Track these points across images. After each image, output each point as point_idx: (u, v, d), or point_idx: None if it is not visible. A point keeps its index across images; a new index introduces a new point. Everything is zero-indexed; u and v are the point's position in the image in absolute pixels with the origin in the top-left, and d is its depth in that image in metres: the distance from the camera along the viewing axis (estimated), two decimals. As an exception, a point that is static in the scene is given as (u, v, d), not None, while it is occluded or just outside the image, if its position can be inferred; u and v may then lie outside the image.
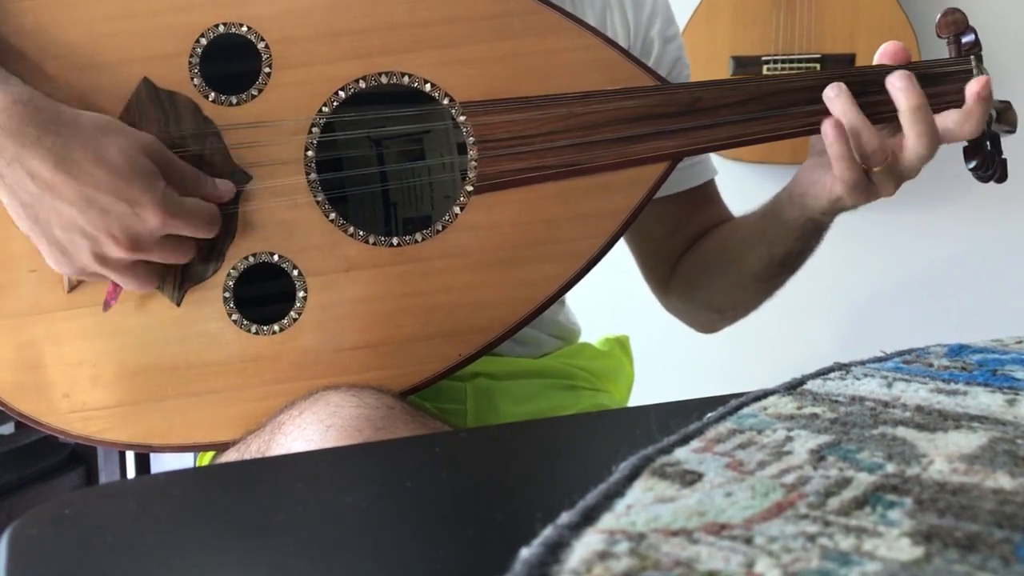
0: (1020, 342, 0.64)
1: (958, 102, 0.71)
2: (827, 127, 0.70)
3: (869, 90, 0.71)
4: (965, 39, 0.74)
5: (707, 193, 0.94)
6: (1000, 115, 0.74)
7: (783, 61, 1.67)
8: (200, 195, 0.66)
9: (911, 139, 0.70)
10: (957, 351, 0.61)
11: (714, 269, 0.90)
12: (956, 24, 0.75)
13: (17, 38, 0.67)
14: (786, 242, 0.81)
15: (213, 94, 0.69)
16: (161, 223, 0.63)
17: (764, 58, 1.68)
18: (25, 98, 0.62)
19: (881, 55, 0.74)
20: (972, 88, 0.70)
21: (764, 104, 0.72)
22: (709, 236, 0.92)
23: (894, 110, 0.70)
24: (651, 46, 0.89)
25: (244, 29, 0.69)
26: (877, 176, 0.71)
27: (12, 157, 0.61)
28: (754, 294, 0.88)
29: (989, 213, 1.76)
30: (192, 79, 0.68)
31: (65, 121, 0.62)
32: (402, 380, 0.70)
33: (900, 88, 0.69)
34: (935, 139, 0.70)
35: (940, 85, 0.72)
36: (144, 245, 0.63)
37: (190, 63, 0.68)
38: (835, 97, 0.70)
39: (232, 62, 0.68)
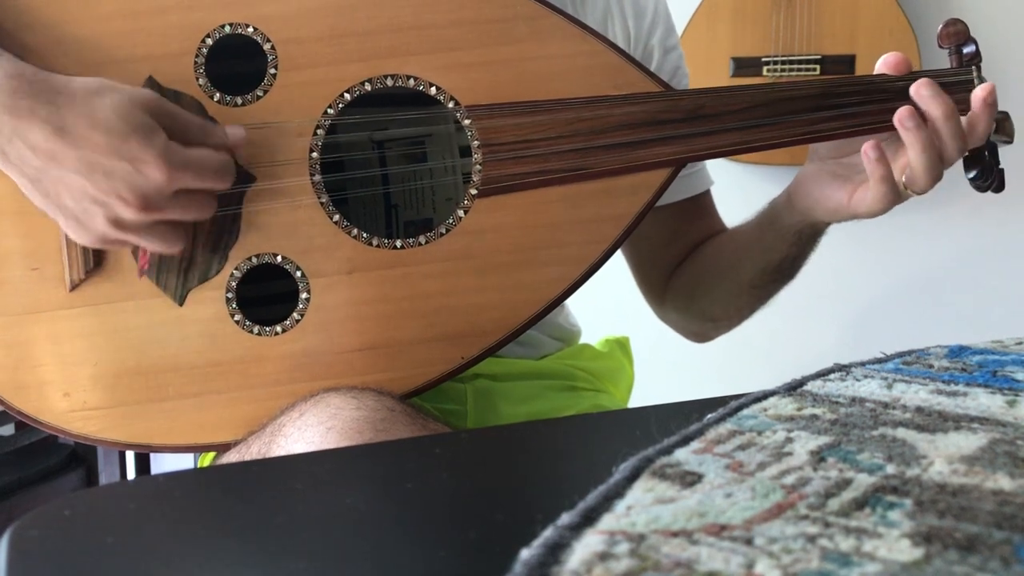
0: (1020, 343, 0.64)
1: (960, 111, 0.72)
2: (869, 152, 0.70)
3: (871, 99, 0.71)
4: (966, 50, 0.75)
5: (703, 204, 0.94)
6: (998, 125, 0.75)
7: (783, 62, 1.67)
8: (208, 145, 0.64)
9: (948, 142, 0.70)
10: (957, 352, 0.61)
11: (710, 280, 0.90)
12: (958, 35, 0.75)
13: (24, 37, 0.67)
14: (782, 247, 0.82)
15: (218, 94, 0.69)
16: (166, 177, 0.60)
17: (764, 59, 1.68)
18: (16, 72, 0.61)
19: (883, 65, 0.74)
20: (979, 94, 0.71)
21: (768, 111, 0.72)
22: (704, 247, 0.93)
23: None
24: (651, 55, 0.89)
25: (250, 30, 0.69)
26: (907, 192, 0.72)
27: (11, 132, 0.60)
28: (749, 302, 0.89)
29: (988, 215, 1.76)
30: (197, 79, 0.68)
31: (57, 89, 0.61)
32: (404, 382, 0.70)
33: (928, 96, 0.70)
34: (963, 142, 0.70)
35: None
36: (156, 203, 0.61)
37: (195, 63, 0.68)
38: (932, 96, 0.70)
39: (238, 62, 0.69)
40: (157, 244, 0.64)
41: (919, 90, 0.70)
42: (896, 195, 0.71)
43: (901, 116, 0.69)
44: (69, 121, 0.60)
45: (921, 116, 0.70)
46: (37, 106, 0.60)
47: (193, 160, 0.62)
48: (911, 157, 0.70)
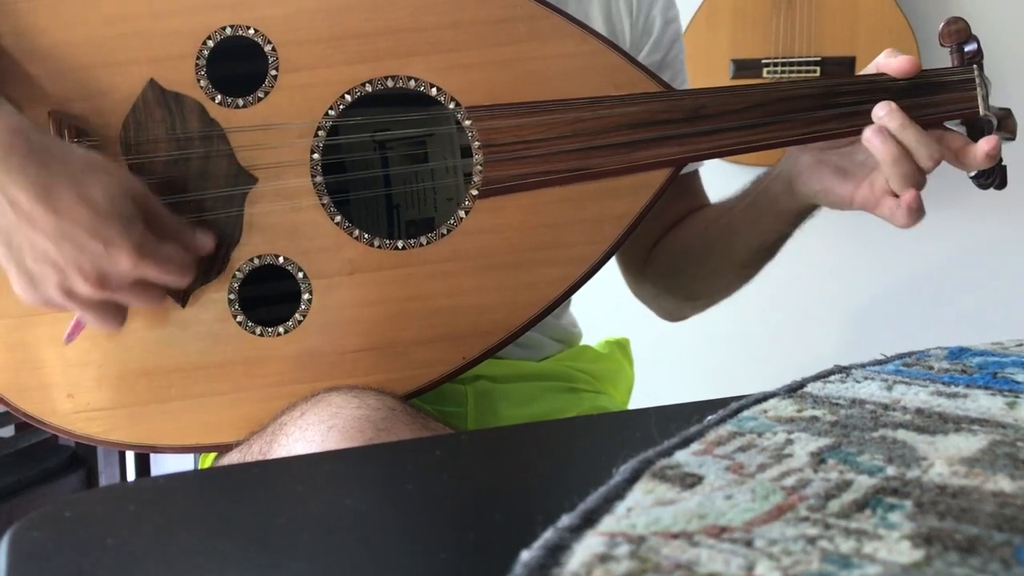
0: (1020, 345, 0.64)
1: (960, 111, 0.72)
2: (871, 134, 0.70)
3: (872, 99, 0.71)
4: (968, 48, 0.75)
5: (691, 184, 0.94)
6: (1000, 122, 0.75)
7: (783, 64, 1.67)
8: (179, 243, 0.65)
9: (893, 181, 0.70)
10: (957, 354, 0.62)
11: (695, 256, 0.90)
12: (959, 33, 0.75)
13: (24, 38, 0.67)
14: (780, 228, 0.82)
15: (219, 96, 0.69)
16: (132, 266, 0.62)
17: (764, 61, 1.68)
18: (15, 126, 0.61)
19: (885, 67, 0.73)
20: (982, 147, 0.71)
21: (768, 111, 0.73)
22: (688, 223, 0.92)
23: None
24: (652, 25, 0.90)
25: (251, 32, 0.69)
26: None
27: None
28: (733, 280, 0.89)
29: (989, 215, 1.76)
30: (199, 81, 0.69)
31: (53, 154, 0.62)
32: (405, 383, 0.70)
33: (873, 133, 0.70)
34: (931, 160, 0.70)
35: (942, 93, 0.72)
36: (112, 285, 0.62)
37: (197, 65, 0.68)
38: (887, 115, 0.70)
39: (239, 64, 0.69)
40: (96, 321, 0.65)
41: (867, 134, 0.70)
42: (919, 177, 0.70)
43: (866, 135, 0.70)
44: (57, 188, 0.61)
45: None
46: (28, 165, 0.60)
47: (162, 255, 0.63)
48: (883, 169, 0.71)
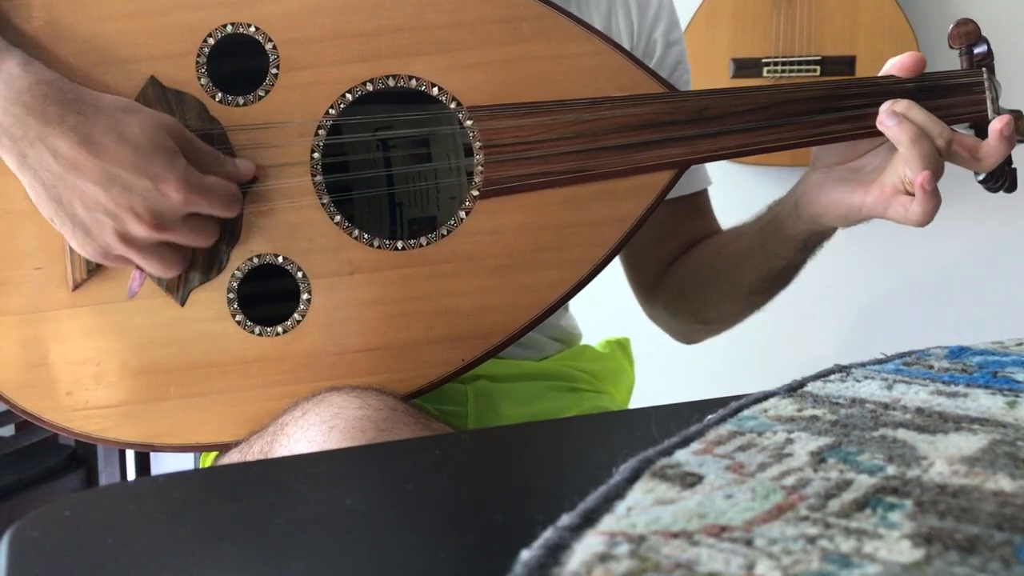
0: (1020, 344, 0.64)
1: (969, 115, 0.71)
2: (885, 117, 0.69)
3: (878, 101, 0.70)
4: (977, 50, 0.73)
5: (700, 203, 0.94)
6: None
7: (783, 63, 1.67)
8: (221, 174, 0.66)
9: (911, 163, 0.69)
10: (957, 353, 0.61)
11: (705, 281, 0.90)
12: (968, 35, 0.73)
13: (25, 37, 0.67)
14: (786, 254, 0.81)
15: (220, 94, 0.69)
16: (183, 199, 0.63)
17: (764, 60, 1.68)
18: (48, 79, 0.63)
19: (895, 67, 0.73)
20: (995, 127, 0.69)
21: (771, 113, 0.72)
22: (700, 247, 0.92)
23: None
24: (654, 48, 0.89)
25: (252, 29, 0.69)
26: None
27: (36, 136, 0.61)
28: (744, 307, 0.88)
29: (989, 215, 1.76)
30: (199, 79, 0.68)
31: (87, 101, 0.63)
32: (405, 384, 0.70)
33: (887, 113, 0.69)
34: (936, 163, 0.69)
35: (950, 97, 0.72)
36: (167, 223, 0.63)
37: (197, 63, 0.68)
38: (892, 102, 0.69)
39: (239, 62, 0.69)
40: (157, 265, 0.66)
41: (881, 118, 0.69)
42: (937, 158, 0.69)
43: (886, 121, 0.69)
44: (96, 133, 0.62)
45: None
46: (66, 114, 0.62)
47: (208, 186, 0.64)
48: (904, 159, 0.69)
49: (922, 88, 0.71)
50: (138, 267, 0.67)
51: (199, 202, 0.64)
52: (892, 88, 0.71)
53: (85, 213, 0.62)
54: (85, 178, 0.61)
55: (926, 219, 0.70)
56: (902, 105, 0.69)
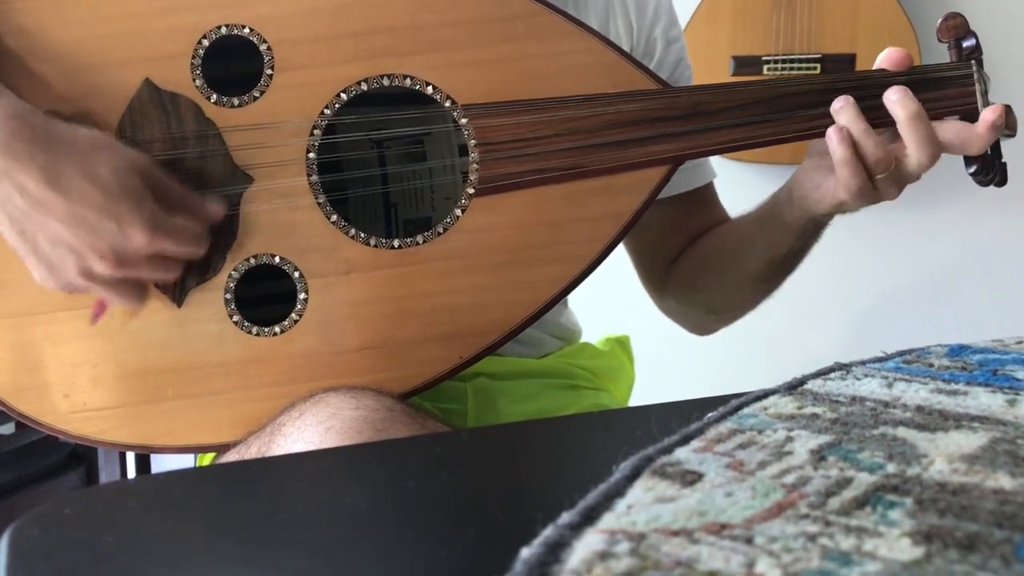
0: (1020, 342, 0.64)
1: (959, 107, 0.72)
2: (832, 134, 0.70)
3: (869, 94, 0.71)
4: (966, 43, 0.75)
5: (706, 196, 0.94)
6: None
7: (783, 61, 1.67)
8: (190, 213, 0.66)
9: (911, 147, 0.70)
10: (957, 351, 0.61)
11: (712, 271, 0.90)
12: (957, 29, 0.75)
13: (18, 38, 0.67)
14: (786, 242, 0.81)
15: (215, 95, 0.69)
16: (147, 242, 0.63)
17: (764, 58, 1.68)
18: (19, 113, 0.62)
19: (882, 61, 0.74)
20: (987, 116, 0.70)
21: (765, 108, 0.72)
22: (706, 238, 0.92)
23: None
24: (654, 47, 0.89)
25: (246, 31, 0.69)
26: (880, 181, 0.72)
27: (2, 172, 0.61)
28: (752, 295, 0.89)
29: (989, 213, 1.76)
30: (194, 80, 0.68)
31: (58, 138, 0.62)
32: (403, 382, 0.70)
33: (895, 100, 0.70)
34: (935, 147, 0.70)
35: (941, 89, 0.72)
36: (130, 262, 0.63)
37: (192, 64, 0.68)
38: (840, 109, 0.71)
39: (234, 63, 0.69)
40: (118, 299, 0.66)
41: (888, 95, 0.70)
42: (861, 179, 0.71)
43: (829, 135, 0.70)
44: (65, 173, 0.61)
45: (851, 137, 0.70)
46: (35, 152, 0.61)
47: (174, 228, 0.64)
48: (842, 176, 0.70)
49: (912, 81, 0.72)
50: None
51: (164, 244, 0.64)
52: (882, 81, 0.72)
53: (49, 248, 0.62)
54: (51, 216, 0.61)
55: (852, 190, 0.71)
56: (905, 112, 0.70)
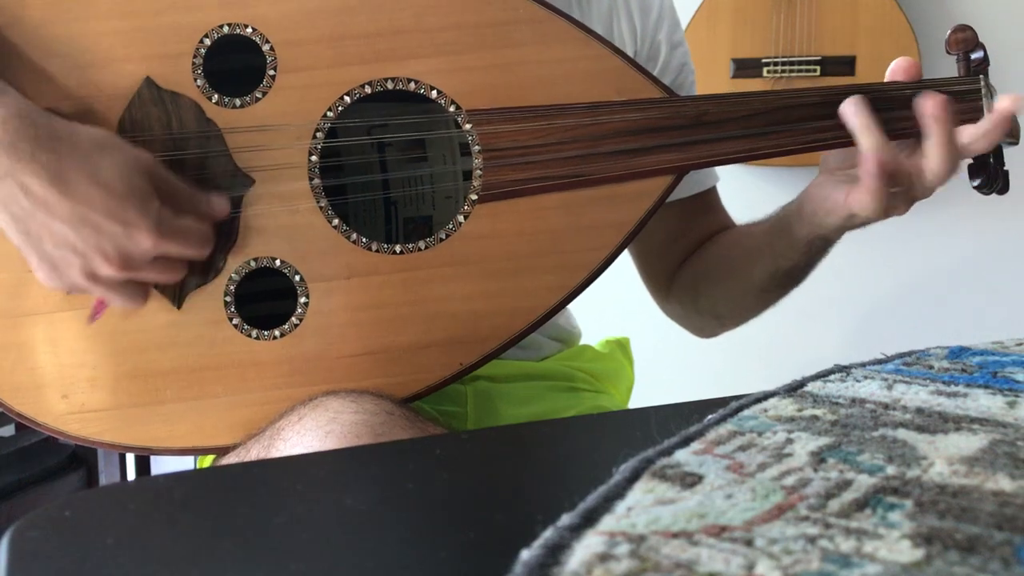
0: (1021, 344, 0.64)
1: (966, 121, 0.71)
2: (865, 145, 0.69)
3: (880, 107, 0.70)
4: (975, 56, 0.74)
5: (709, 200, 0.94)
6: None
7: (783, 63, 1.67)
8: (195, 213, 0.65)
9: (935, 163, 0.69)
10: (957, 353, 0.61)
11: (717, 278, 0.90)
12: (967, 42, 0.74)
13: (20, 35, 0.66)
14: (793, 256, 0.81)
15: (216, 96, 0.69)
16: (153, 245, 0.62)
17: (764, 60, 1.68)
18: (22, 112, 0.61)
19: (893, 72, 0.73)
20: (1005, 105, 0.70)
21: (771, 119, 0.72)
22: (712, 244, 0.92)
23: (907, 127, 0.70)
24: (658, 50, 0.89)
25: (249, 30, 0.69)
26: (896, 196, 0.71)
27: (5, 171, 0.60)
28: (756, 304, 0.89)
29: (989, 215, 1.76)
30: (195, 80, 0.68)
31: (61, 137, 0.62)
32: (403, 388, 0.70)
33: (933, 117, 0.69)
34: (957, 163, 0.70)
35: (951, 104, 0.72)
36: (135, 264, 0.63)
37: (194, 63, 0.68)
38: (854, 113, 0.70)
39: (236, 64, 0.68)
40: (120, 300, 0.66)
41: (922, 103, 0.69)
42: (885, 195, 0.70)
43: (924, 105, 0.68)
44: (69, 172, 0.61)
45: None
46: (38, 151, 0.60)
47: (180, 229, 0.64)
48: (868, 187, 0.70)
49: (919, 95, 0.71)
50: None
51: (169, 245, 0.63)
52: (891, 95, 0.71)
53: (53, 249, 0.62)
54: (55, 217, 0.61)
55: (872, 205, 0.70)
56: (860, 120, 0.70)
